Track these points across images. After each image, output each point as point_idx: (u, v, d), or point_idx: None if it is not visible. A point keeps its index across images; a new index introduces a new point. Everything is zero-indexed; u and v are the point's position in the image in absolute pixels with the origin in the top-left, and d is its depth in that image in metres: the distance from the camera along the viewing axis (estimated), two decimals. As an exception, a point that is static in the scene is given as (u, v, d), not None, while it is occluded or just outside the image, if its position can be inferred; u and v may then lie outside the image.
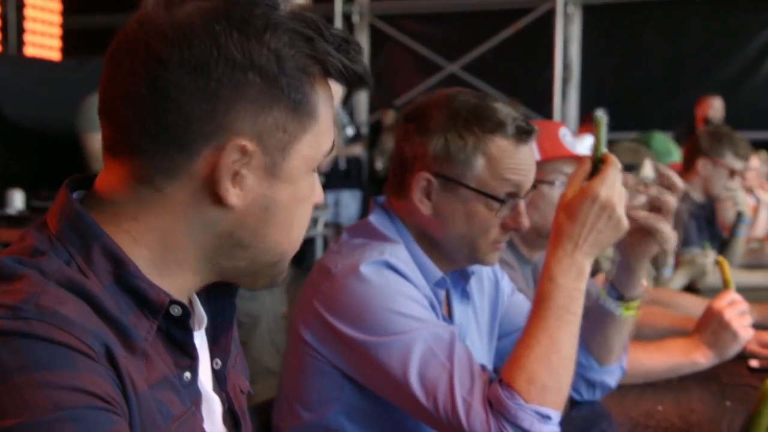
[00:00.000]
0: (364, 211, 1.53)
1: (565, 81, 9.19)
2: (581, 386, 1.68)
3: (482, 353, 1.61)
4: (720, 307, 1.85)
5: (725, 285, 1.91)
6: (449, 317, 1.55)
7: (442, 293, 1.50)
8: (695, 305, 2.33)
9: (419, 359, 1.30)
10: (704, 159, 3.46)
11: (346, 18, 9.95)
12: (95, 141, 4.72)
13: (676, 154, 3.52)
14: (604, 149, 1.34)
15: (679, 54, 8.66)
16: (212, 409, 0.93)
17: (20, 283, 0.75)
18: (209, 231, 0.84)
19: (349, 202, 8.89)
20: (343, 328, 1.35)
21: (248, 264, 0.88)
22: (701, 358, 1.85)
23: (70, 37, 7.13)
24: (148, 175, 0.82)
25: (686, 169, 3.57)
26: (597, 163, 1.34)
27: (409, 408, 1.33)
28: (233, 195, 0.82)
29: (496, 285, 1.68)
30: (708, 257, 3.02)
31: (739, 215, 3.62)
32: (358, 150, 9.07)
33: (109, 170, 0.85)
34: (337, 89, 0.89)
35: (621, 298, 1.59)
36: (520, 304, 1.71)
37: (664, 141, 3.47)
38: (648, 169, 2.79)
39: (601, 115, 1.35)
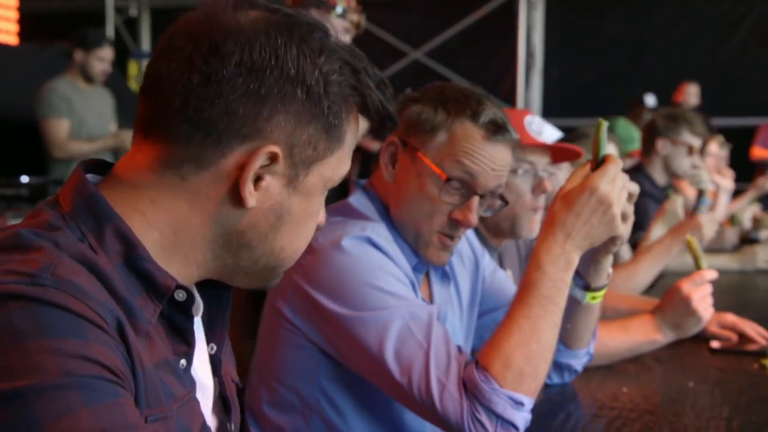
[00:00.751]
0: (334, 197, 1.51)
1: (529, 68, 9.21)
2: (550, 369, 1.69)
3: (461, 334, 1.62)
4: (689, 291, 1.85)
5: (697, 265, 1.94)
6: (429, 299, 1.55)
7: (420, 276, 1.50)
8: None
9: (396, 337, 1.30)
10: (663, 139, 3.56)
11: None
12: (56, 127, 4.63)
13: (638, 141, 3.58)
14: (604, 152, 1.35)
15: (641, 42, 8.73)
16: (205, 395, 0.95)
17: (37, 254, 0.77)
18: (222, 227, 0.87)
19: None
20: (322, 301, 1.35)
21: (250, 264, 0.91)
22: (661, 337, 1.87)
23: (27, 22, 6.99)
24: (177, 162, 0.85)
25: (646, 152, 3.64)
26: (598, 160, 1.34)
27: (383, 385, 1.33)
28: (253, 197, 0.85)
29: (476, 264, 1.68)
30: (677, 202, 3.04)
31: (701, 194, 3.69)
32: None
33: (136, 151, 0.88)
34: (363, 124, 0.95)
35: (587, 287, 1.60)
36: (501, 282, 1.71)
37: (627, 128, 3.54)
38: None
39: (602, 121, 1.37)
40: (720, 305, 2.51)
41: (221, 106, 0.83)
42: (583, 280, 1.59)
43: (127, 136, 4.48)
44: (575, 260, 1.33)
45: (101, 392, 0.72)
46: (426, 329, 1.31)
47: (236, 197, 0.85)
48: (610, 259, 1.57)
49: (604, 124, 1.36)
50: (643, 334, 1.86)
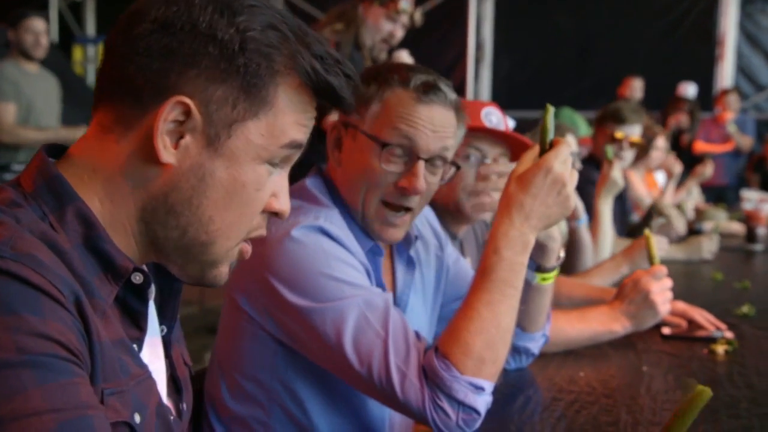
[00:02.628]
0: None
1: (478, 61, 9.29)
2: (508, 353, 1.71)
3: (425, 320, 1.63)
4: (648, 284, 1.89)
5: (651, 261, 1.98)
6: (393, 284, 1.55)
7: (380, 260, 1.49)
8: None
9: (353, 327, 1.29)
10: (597, 131, 3.73)
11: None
12: (3, 111, 4.51)
13: (583, 128, 3.66)
14: (552, 136, 1.37)
15: (588, 35, 8.87)
16: (159, 377, 0.95)
17: None
18: (147, 190, 0.87)
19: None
20: (278, 292, 1.34)
21: (179, 236, 0.89)
22: (619, 328, 1.91)
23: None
24: (111, 125, 0.86)
25: (596, 146, 3.75)
26: (546, 143, 1.36)
27: (343, 375, 1.33)
28: (169, 153, 0.85)
29: (441, 250, 1.69)
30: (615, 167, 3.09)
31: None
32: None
33: (89, 128, 0.89)
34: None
35: (538, 269, 1.62)
36: (464, 271, 1.72)
37: (571, 116, 3.61)
38: (572, 144, 2.88)
39: (549, 106, 1.38)
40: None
41: (137, 63, 0.84)
42: (533, 261, 1.61)
43: (80, 131, 4.41)
44: (532, 242, 1.34)
45: (55, 371, 0.72)
46: (383, 317, 1.30)
47: (154, 154, 0.85)
48: (556, 240, 1.59)
49: (551, 110, 1.38)
50: (601, 324, 1.90)
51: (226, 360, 1.47)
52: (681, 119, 7.70)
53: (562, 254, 1.66)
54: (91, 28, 9.65)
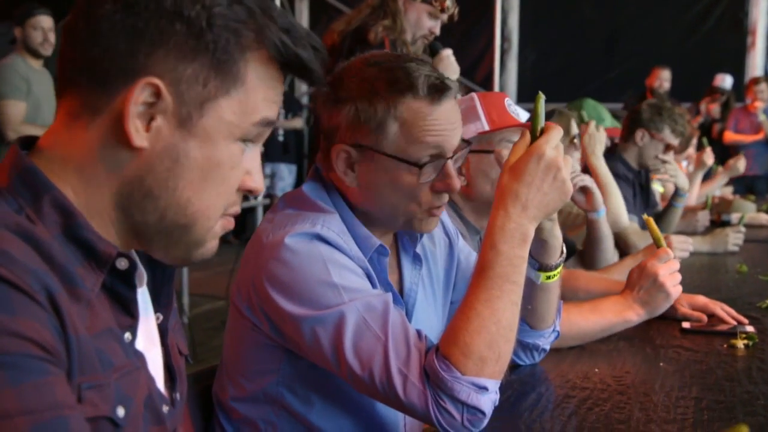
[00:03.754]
0: (299, 185, 1.49)
1: (504, 52, 9.24)
2: (518, 350, 1.69)
3: (435, 316, 1.60)
4: (656, 267, 1.87)
5: (657, 243, 1.96)
6: (400, 282, 1.54)
7: (386, 260, 1.48)
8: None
9: (353, 332, 1.27)
10: (643, 131, 3.58)
11: (285, -13, 9.81)
12: (13, 108, 4.53)
13: (608, 120, 3.61)
14: (542, 124, 1.33)
15: (615, 26, 8.77)
16: (155, 368, 0.94)
17: None
18: (122, 175, 0.85)
19: (285, 175, 8.85)
20: (277, 300, 1.32)
21: (158, 220, 0.88)
22: (633, 316, 1.88)
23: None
24: (78, 112, 0.85)
25: (625, 138, 3.67)
26: (536, 131, 1.33)
27: (346, 379, 1.31)
28: (141, 136, 0.84)
29: (450, 247, 1.66)
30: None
31: (677, 188, 3.74)
32: (298, 123, 8.99)
33: (56, 118, 0.88)
34: None
35: (540, 267, 1.59)
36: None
37: (595, 107, 3.56)
38: (574, 130, 2.87)
39: (540, 94, 1.36)
40: (691, 287, 2.54)
41: (102, 45, 0.82)
42: (535, 260, 1.58)
43: None
44: (531, 233, 1.30)
45: (28, 371, 0.70)
46: (382, 319, 1.28)
47: (126, 138, 0.83)
48: (558, 237, 1.56)
49: (542, 97, 1.35)
50: (615, 314, 1.87)
51: (233, 365, 1.47)
52: (713, 109, 7.60)
53: (565, 250, 1.62)
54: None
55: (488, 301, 1.27)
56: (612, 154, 3.67)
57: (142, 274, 0.94)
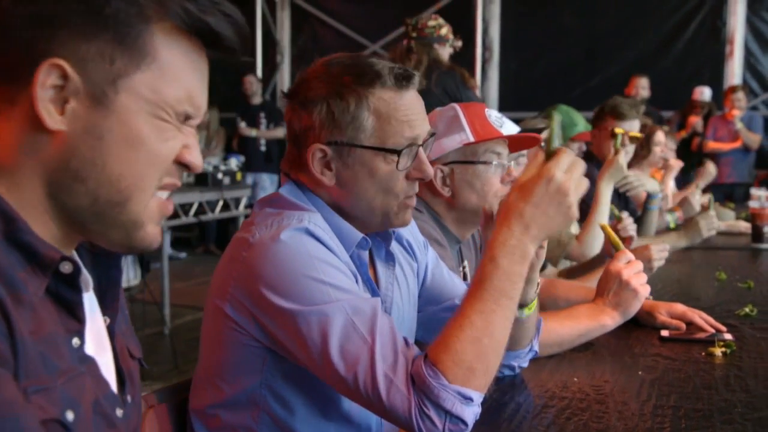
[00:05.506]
0: (280, 194, 1.49)
1: (486, 61, 9.27)
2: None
3: (408, 318, 1.61)
4: (618, 268, 1.91)
5: (615, 247, 2.00)
6: (375, 281, 1.54)
7: (366, 254, 1.48)
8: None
9: (340, 332, 1.27)
10: (596, 128, 3.68)
11: (267, -4, 9.82)
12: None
13: (582, 124, 3.64)
14: (555, 144, 1.35)
15: (596, 35, 8.83)
16: (107, 371, 0.94)
17: None
18: (42, 161, 0.85)
19: (267, 185, 8.84)
20: (264, 295, 1.32)
21: (92, 202, 0.87)
22: (608, 320, 1.90)
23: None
24: None
25: (595, 143, 3.73)
26: (549, 152, 1.34)
27: (328, 379, 1.31)
28: (56, 120, 0.83)
29: (417, 250, 1.67)
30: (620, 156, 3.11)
31: (648, 193, 3.78)
32: (280, 132, 8.99)
33: None
34: None
35: (521, 305, 1.57)
36: (444, 277, 1.70)
37: (568, 112, 3.59)
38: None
39: (555, 113, 1.37)
40: (670, 295, 2.56)
41: (7, 37, 0.82)
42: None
43: None
44: (531, 252, 1.32)
45: None
46: (370, 323, 1.28)
47: (41, 124, 0.83)
48: (537, 271, 1.56)
49: (557, 118, 1.37)
50: (591, 319, 1.89)
51: (212, 369, 1.46)
52: (695, 123, 7.67)
53: (539, 280, 1.62)
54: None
55: (483, 313, 1.27)
56: (588, 159, 3.69)
57: (88, 279, 0.94)
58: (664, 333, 2.08)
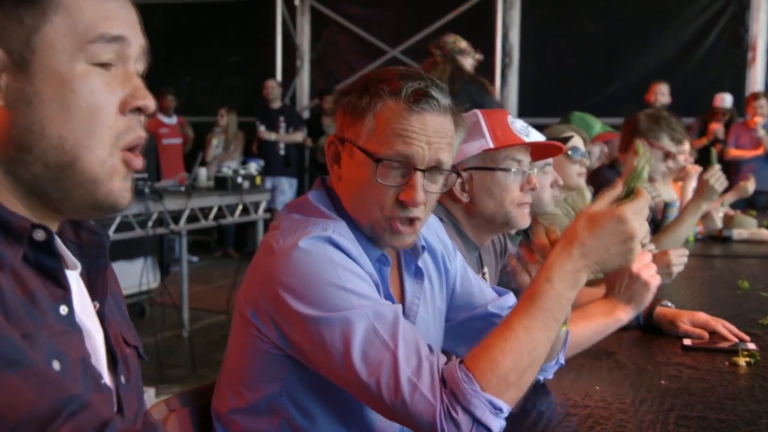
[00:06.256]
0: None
1: (505, 66, 9.25)
2: None
3: (434, 331, 1.60)
4: None
5: None
6: (402, 295, 1.53)
7: (388, 270, 1.48)
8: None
9: (362, 338, 1.27)
10: (641, 140, 3.56)
11: (288, 1, 9.84)
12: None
13: (598, 126, 3.61)
14: (637, 181, 1.36)
15: (616, 40, 8.79)
16: (96, 347, 0.95)
17: None
18: None
19: (286, 188, 8.87)
20: (286, 301, 1.32)
21: (44, 169, 0.87)
22: (622, 314, 1.89)
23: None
24: None
25: (623, 148, 3.67)
26: (629, 187, 1.35)
27: (350, 386, 1.31)
28: None
29: (448, 262, 1.66)
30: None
31: (666, 203, 3.76)
32: (299, 137, 9.02)
33: None
34: None
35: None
36: (471, 283, 1.69)
37: (582, 117, 3.57)
38: (581, 146, 2.89)
39: (642, 145, 1.37)
40: (692, 304, 2.54)
41: None
42: None
43: None
44: (583, 281, 1.34)
45: None
46: (392, 329, 1.28)
47: None
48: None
49: (642, 149, 1.36)
50: (604, 315, 1.88)
51: (235, 374, 1.46)
52: (717, 130, 7.60)
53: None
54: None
55: (528, 328, 1.28)
56: (611, 168, 3.67)
57: (75, 263, 0.95)
58: (687, 342, 2.06)
